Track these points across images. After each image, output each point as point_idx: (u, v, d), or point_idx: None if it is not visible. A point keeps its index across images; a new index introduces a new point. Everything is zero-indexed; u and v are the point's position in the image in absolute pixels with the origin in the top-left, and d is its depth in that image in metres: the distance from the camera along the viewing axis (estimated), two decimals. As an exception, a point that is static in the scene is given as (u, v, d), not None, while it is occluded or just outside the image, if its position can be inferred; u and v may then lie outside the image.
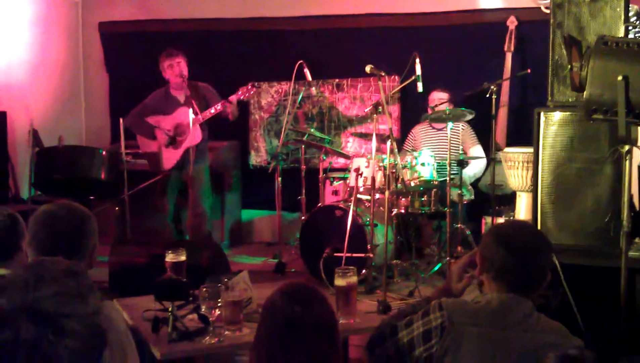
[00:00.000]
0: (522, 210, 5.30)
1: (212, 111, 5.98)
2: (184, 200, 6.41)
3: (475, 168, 6.38)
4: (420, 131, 6.61)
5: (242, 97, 6.08)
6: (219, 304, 3.20)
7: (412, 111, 6.89)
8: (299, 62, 6.27)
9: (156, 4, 7.85)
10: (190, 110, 5.84)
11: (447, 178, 5.67)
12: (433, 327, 2.25)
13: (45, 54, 7.60)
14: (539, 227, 3.89)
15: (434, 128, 6.53)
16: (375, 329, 2.48)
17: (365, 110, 7.02)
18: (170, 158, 6.18)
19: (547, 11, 4.39)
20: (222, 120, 6.15)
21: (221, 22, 7.65)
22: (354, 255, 5.12)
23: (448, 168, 5.72)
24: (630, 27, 3.98)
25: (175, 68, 6.12)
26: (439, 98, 6.28)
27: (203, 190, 6.28)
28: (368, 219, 5.33)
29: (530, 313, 2.25)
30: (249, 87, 6.07)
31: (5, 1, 7.03)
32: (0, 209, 2.86)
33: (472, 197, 6.29)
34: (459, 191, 5.79)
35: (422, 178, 5.62)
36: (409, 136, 6.70)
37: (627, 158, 3.19)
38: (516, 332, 2.21)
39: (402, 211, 5.67)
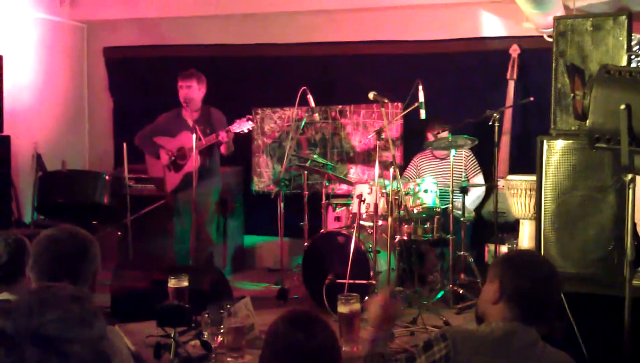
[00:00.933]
0: (525, 238, 5.30)
1: (204, 142, 5.92)
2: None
3: (470, 198, 6.33)
4: (422, 160, 6.62)
5: (237, 131, 5.95)
6: (222, 330, 3.19)
7: (415, 137, 6.91)
8: (302, 88, 6.30)
9: (160, 29, 7.90)
10: (194, 135, 5.80)
11: (450, 205, 5.68)
12: (437, 358, 2.22)
13: (49, 79, 7.64)
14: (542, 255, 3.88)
15: (436, 157, 6.54)
16: None
17: (368, 136, 7.06)
18: (171, 181, 6.18)
19: (550, 40, 4.43)
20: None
21: (225, 48, 7.69)
22: (357, 281, 5.12)
23: (451, 196, 5.73)
24: (632, 56, 4.01)
25: (183, 90, 6.12)
26: (440, 134, 6.26)
27: (207, 215, 6.25)
28: (370, 245, 5.33)
29: (536, 341, 2.24)
30: (245, 120, 5.94)
31: (10, 26, 7.08)
32: (8, 234, 2.85)
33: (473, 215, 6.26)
34: (462, 218, 5.80)
35: (424, 205, 5.62)
36: (411, 164, 6.71)
37: (630, 186, 3.19)
38: (520, 360, 2.19)
39: (405, 238, 5.66)
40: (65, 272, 2.41)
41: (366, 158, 7.26)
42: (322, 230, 5.91)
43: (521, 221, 5.46)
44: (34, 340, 1.24)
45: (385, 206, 5.40)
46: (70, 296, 1.34)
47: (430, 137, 6.35)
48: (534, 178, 4.24)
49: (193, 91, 6.12)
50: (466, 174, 6.38)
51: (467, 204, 6.14)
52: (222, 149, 6.09)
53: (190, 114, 6.15)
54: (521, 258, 2.47)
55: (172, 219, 6.35)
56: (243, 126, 5.89)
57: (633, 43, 4.09)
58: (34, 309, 1.28)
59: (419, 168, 6.61)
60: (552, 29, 4.13)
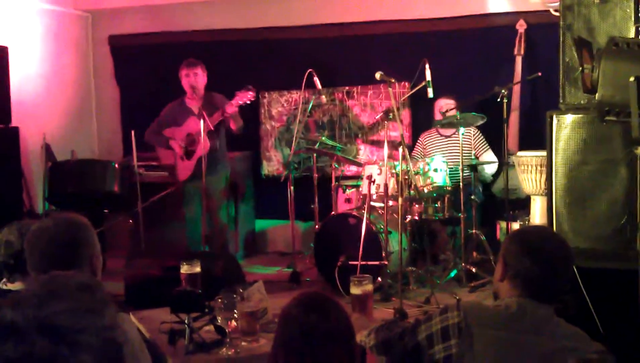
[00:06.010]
0: (537, 214, 5.28)
1: (209, 123, 5.89)
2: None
3: (492, 168, 6.35)
4: (427, 138, 6.58)
5: (241, 103, 5.98)
6: (235, 315, 3.19)
7: (423, 117, 6.87)
8: (309, 70, 6.27)
9: (165, 15, 7.88)
10: (201, 120, 5.80)
11: (460, 184, 5.65)
12: (450, 324, 2.23)
13: (56, 69, 7.64)
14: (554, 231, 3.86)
15: (441, 135, 6.50)
16: (384, 330, 2.47)
17: (376, 117, 7.03)
18: (185, 169, 6.18)
19: (557, 14, 4.37)
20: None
21: (230, 32, 7.66)
22: (369, 262, 5.11)
23: (461, 174, 5.70)
24: (640, 28, 3.95)
25: (190, 78, 6.13)
26: (447, 104, 6.25)
27: (218, 200, 6.26)
28: (382, 226, 5.32)
29: (550, 317, 2.23)
30: (245, 90, 5.96)
31: (15, 17, 7.08)
32: (22, 224, 2.82)
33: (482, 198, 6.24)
34: (473, 196, 5.79)
35: (435, 184, 5.60)
36: (417, 143, 6.68)
37: (641, 159, 3.17)
38: (534, 336, 2.19)
39: (416, 217, 5.65)
40: (59, 260, 2.36)
41: (375, 138, 7.24)
42: (332, 212, 5.91)
43: (532, 197, 5.43)
44: (43, 331, 1.24)
45: (396, 186, 5.38)
46: (79, 285, 1.33)
47: (438, 115, 6.31)
48: (544, 153, 4.22)
49: (199, 78, 6.17)
50: (475, 153, 6.33)
51: (487, 174, 6.19)
52: (232, 125, 6.08)
53: (195, 102, 6.15)
54: (526, 235, 2.43)
55: (182, 208, 6.37)
56: (244, 97, 5.90)
57: (641, 14, 4.04)
58: (42, 300, 1.28)
59: (425, 146, 6.57)
60: (558, 3, 4.09)
